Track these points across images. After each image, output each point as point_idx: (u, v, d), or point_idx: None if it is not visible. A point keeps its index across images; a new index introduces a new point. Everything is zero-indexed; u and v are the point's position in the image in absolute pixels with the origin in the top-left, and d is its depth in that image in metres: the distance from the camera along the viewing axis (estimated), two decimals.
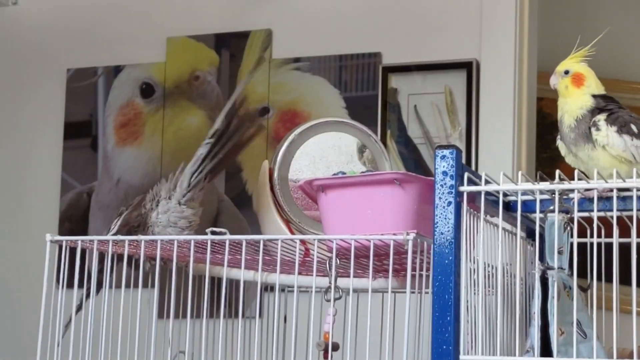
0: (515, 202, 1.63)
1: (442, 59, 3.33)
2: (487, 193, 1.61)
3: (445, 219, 1.56)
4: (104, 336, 1.90)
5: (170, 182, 2.13)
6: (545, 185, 1.59)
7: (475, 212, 1.60)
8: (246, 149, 3.48)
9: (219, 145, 2.13)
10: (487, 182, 1.60)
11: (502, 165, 3.15)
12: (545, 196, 1.62)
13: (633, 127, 1.76)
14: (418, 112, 3.35)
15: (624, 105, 1.84)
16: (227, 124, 2.12)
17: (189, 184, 2.10)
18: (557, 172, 1.59)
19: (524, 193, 1.63)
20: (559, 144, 1.84)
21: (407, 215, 1.79)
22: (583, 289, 1.65)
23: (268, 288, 2.08)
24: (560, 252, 1.61)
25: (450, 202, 1.56)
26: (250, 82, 3.52)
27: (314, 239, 1.84)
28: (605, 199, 1.62)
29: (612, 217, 1.59)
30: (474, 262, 1.59)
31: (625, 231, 1.64)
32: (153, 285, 1.95)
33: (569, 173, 1.63)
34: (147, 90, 3.63)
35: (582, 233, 1.72)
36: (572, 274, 1.60)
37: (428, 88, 3.34)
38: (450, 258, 1.55)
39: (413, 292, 1.74)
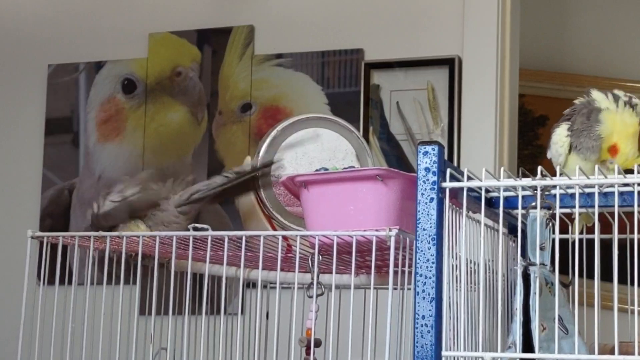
0: (497, 198, 1.63)
1: (425, 56, 3.34)
2: (470, 189, 1.61)
3: (428, 215, 1.56)
4: (86, 333, 1.89)
5: (174, 185, 2.11)
6: (527, 181, 1.59)
7: (458, 208, 1.61)
8: (228, 145, 3.48)
9: (237, 185, 2.09)
10: (469, 178, 1.60)
11: (484, 161, 3.16)
12: (527, 192, 1.62)
13: None
14: (400, 109, 3.35)
15: None
16: (253, 170, 2.08)
17: (188, 198, 2.08)
18: (539, 168, 1.59)
19: (506, 189, 1.63)
20: (564, 151, 1.84)
21: (389, 211, 1.79)
22: (565, 285, 1.66)
23: (250, 284, 2.08)
24: (542, 248, 1.62)
25: (432, 198, 1.56)
26: (232, 78, 3.52)
27: (296, 235, 1.84)
28: (587, 195, 1.62)
29: (593, 213, 1.59)
30: (456, 258, 1.59)
31: (606, 227, 1.64)
32: (135, 282, 1.94)
33: (550, 169, 1.64)
34: (128, 86, 3.62)
35: (564, 229, 1.72)
36: (553, 270, 1.60)
37: (410, 84, 3.35)
38: (433, 254, 1.55)
39: (395, 289, 1.74)
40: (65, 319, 1.90)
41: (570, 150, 1.84)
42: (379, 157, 3.30)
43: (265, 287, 2.10)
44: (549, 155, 1.88)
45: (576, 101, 1.90)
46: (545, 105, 4.09)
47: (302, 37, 3.47)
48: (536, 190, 1.59)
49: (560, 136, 1.86)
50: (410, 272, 1.72)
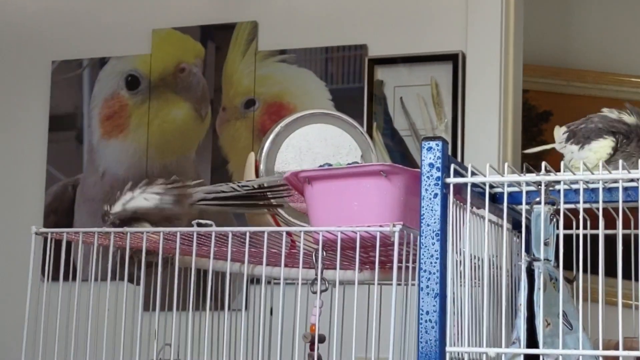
0: (502, 193, 1.63)
1: (428, 51, 3.34)
2: (474, 185, 1.60)
3: (432, 210, 1.56)
4: (90, 329, 1.90)
5: (182, 186, 2.10)
6: (531, 176, 1.59)
7: (462, 203, 1.60)
8: (232, 141, 3.48)
9: (241, 198, 2.07)
10: (473, 173, 1.60)
11: (488, 157, 3.16)
12: (532, 188, 1.62)
13: None
14: (404, 104, 3.34)
15: (621, 98, 1.85)
16: (259, 187, 2.07)
17: (194, 203, 2.07)
18: (543, 163, 1.59)
19: (510, 184, 1.63)
20: (596, 162, 1.80)
21: (393, 207, 1.79)
22: (569, 281, 1.66)
23: (254, 280, 2.08)
24: (546, 244, 1.62)
25: (436, 194, 1.56)
26: (236, 74, 3.52)
27: (300, 231, 1.84)
28: (591, 190, 1.62)
29: (597, 208, 1.59)
30: (460, 254, 1.59)
31: (611, 223, 1.64)
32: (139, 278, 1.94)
33: (554, 165, 1.64)
34: (132, 83, 3.62)
35: (568, 225, 1.72)
36: (558, 266, 1.60)
37: (414, 80, 3.35)
38: (437, 250, 1.55)
39: (399, 284, 1.74)
40: (69, 315, 1.91)
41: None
42: (382, 153, 3.30)
43: (269, 283, 2.10)
44: (569, 150, 1.81)
45: (626, 119, 1.81)
46: (550, 101, 4.08)
47: (305, 33, 3.46)
48: (540, 185, 1.59)
49: (604, 149, 1.80)
50: (414, 268, 1.72)
